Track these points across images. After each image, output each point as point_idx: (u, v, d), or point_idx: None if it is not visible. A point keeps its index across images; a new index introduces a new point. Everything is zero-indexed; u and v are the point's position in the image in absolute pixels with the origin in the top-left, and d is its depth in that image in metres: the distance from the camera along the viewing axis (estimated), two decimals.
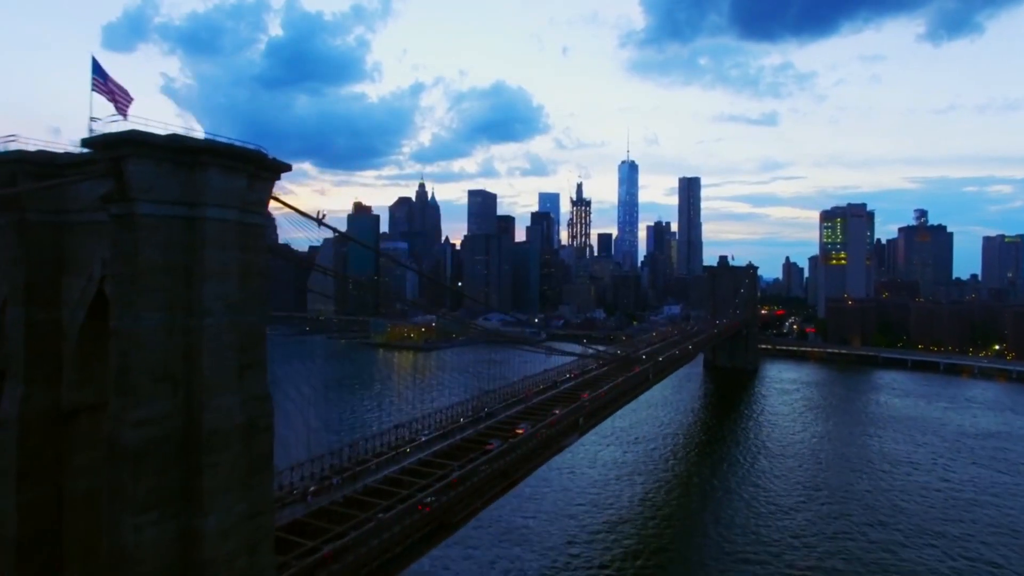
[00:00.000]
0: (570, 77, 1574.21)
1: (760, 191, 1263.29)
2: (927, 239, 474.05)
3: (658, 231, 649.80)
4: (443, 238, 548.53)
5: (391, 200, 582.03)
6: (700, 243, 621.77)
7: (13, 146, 28.62)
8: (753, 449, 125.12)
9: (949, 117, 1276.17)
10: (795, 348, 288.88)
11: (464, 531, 55.77)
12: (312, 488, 43.71)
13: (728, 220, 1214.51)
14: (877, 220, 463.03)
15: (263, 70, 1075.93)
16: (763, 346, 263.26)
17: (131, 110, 28.88)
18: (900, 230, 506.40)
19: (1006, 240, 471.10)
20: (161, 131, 24.36)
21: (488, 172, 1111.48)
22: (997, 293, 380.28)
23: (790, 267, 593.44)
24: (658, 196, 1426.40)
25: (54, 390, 28.46)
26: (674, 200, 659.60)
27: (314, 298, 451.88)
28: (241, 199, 26.17)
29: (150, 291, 23.68)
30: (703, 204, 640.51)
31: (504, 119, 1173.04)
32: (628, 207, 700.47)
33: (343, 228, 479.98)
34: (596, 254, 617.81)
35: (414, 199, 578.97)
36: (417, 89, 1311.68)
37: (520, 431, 64.79)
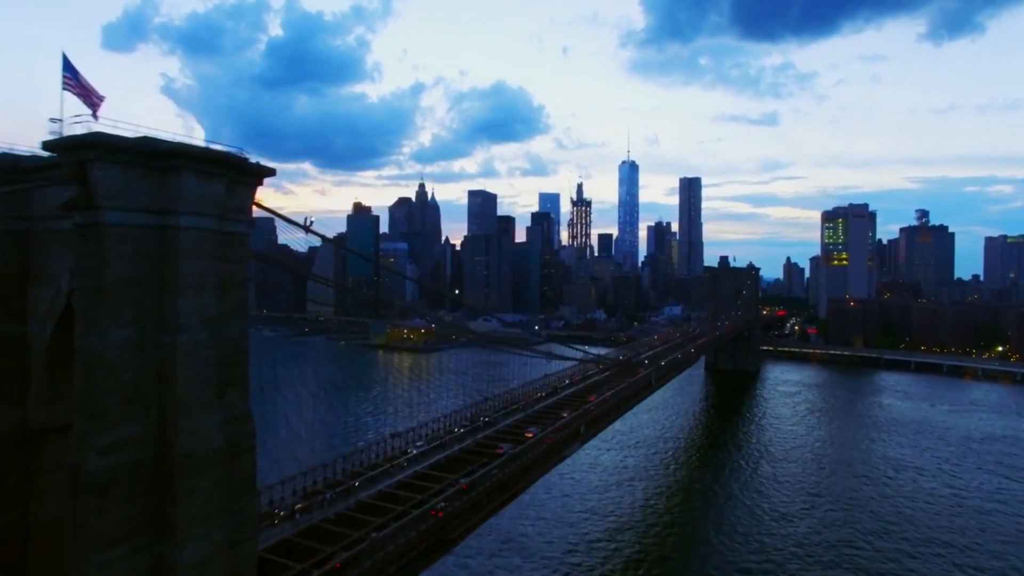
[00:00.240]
0: (570, 77, 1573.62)
1: (760, 191, 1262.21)
2: (929, 239, 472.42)
3: (659, 231, 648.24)
4: (443, 238, 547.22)
5: (391, 200, 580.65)
6: (701, 243, 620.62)
7: None
8: (755, 454, 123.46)
9: (950, 117, 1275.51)
10: (797, 349, 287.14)
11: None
12: (299, 505, 41.81)
13: (728, 220, 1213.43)
14: (878, 220, 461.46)
15: (263, 70, 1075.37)
16: (764, 347, 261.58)
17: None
18: (901, 230, 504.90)
19: (1008, 240, 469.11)
20: (131, 133, 22.69)
21: (488, 172, 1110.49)
22: (1000, 294, 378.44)
23: (791, 267, 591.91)
24: (658, 196, 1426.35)
25: (21, 409, 26.83)
26: (674, 200, 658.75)
27: (313, 299, 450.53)
28: (219, 206, 24.46)
29: (118, 306, 21.97)
30: (703, 204, 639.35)
31: (504, 119, 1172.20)
32: (628, 207, 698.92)
33: (342, 229, 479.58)
34: (596, 254, 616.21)
35: (414, 199, 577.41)
36: (417, 89, 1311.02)
37: (530, 435, 64.58)
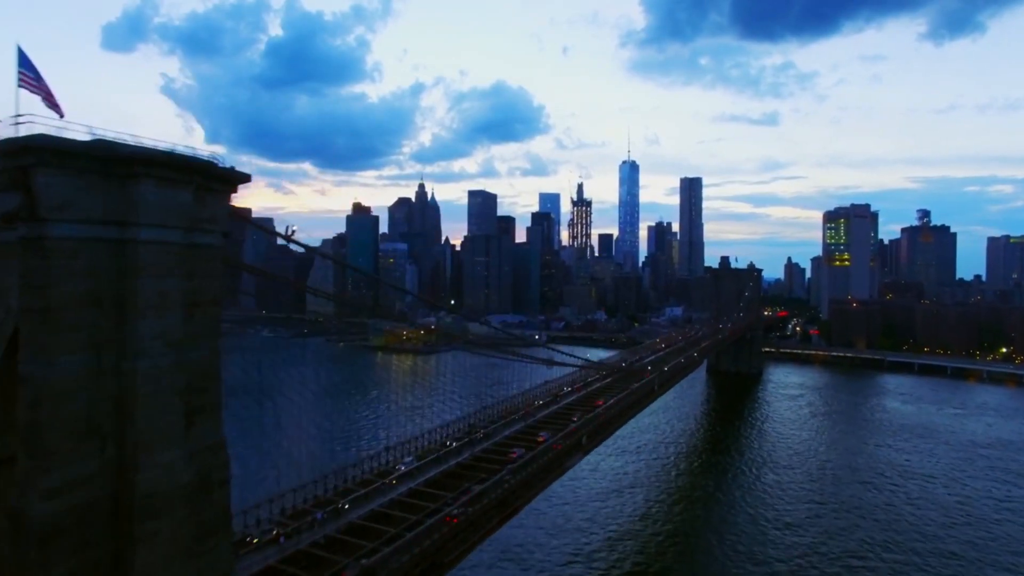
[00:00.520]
0: (570, 77, 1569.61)
1: (761, 191, 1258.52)
2: (931, 240, 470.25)
3: (659, 231, 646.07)
4: (443, 239, 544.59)
5: (391, 200, 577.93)
6: (702, 243, 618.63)
7: None
8: (758, 459, 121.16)
9: (950, 117, 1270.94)
10: (799, 351, 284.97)
11: None
12: (275, 531, 39.10)
13: (729, 220, 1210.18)
14: (879, 220, 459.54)
15: (263, 70, 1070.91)
16: (766, 349, 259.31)
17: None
18: (903, 230, 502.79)
19: (1011, 241, 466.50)
20: (85, 135, 20.38)
21: (488, 172, 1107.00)
22: (1003, 295, 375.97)
23: (792, 267, 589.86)
24: (659, 196, 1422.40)
25: None
26: (675, 200, 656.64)
27: (313, 299, 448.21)
28: (186, 216, 22.12)
29: (68, 329, 19.60)
30: (704, 204, 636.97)
31: (504, 119, 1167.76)
32: (629, 207, 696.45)
33: (342, 229, 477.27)
34: (597, 255, 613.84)
35: (413, 199, 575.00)
36: (417, 89, 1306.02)
37: (541, 439, 63.87)
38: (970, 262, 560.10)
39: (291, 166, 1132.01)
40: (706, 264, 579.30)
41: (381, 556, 35.80)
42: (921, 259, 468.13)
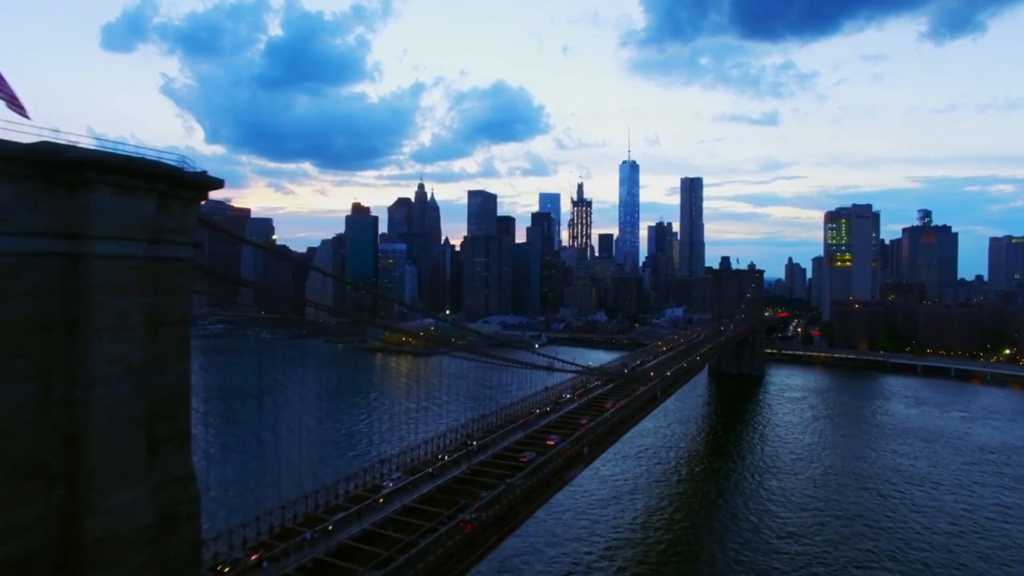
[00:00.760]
0: (571, 77, 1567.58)
1: (761, 191, 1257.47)
2: (932, 240, 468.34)
3: (659, 232, 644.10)
4: (443, 239, 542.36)
5: (392, 200, 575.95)
6: (702, 244, 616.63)
7: None
8: (760, 465, 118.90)
9: (951, 116, 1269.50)
10: (801, 353, 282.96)
11: None
12: (254, 558, 36.63)
13: (729, 220, 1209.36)
14: (880, 220, 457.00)
15: (263, 70, 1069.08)
16: (768, 350, 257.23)
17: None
18: (904, 230, 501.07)
19: (1013, 241, 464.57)
20: (30, 137, 18.19)
21: (489, 172, 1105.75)
22: (1006, 296, 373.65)
23: (793, 268, 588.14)
24: (659, 196, 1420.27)
25: None
26: (675, 200, 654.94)
27: (312, 299, 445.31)
28: (148, 227, 19.89)
29: (11, 356, 17.41)
30: (704, 204, 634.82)
31: (505, 119, 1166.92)
32: (629, 207, 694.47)
33: (341, 229, 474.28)
34: (597, 255, 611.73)
35: (413, 200, 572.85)
36: (417, 89, 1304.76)
37: (551, 442, 63.27)
38: (971, 262, 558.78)
39: (291, 166, 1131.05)
40: (707, 264, 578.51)
41: None
42: (923, 259, 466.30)
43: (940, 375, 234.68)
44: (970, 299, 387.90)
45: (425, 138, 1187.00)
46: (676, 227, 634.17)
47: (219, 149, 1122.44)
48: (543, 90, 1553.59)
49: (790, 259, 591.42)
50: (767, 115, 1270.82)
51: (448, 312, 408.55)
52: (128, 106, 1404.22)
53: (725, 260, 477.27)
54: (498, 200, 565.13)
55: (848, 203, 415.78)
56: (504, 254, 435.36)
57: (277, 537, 40.15)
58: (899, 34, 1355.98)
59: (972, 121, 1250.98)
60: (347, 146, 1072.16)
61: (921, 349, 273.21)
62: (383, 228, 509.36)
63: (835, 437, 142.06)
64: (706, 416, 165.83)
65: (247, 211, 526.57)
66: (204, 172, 22.22)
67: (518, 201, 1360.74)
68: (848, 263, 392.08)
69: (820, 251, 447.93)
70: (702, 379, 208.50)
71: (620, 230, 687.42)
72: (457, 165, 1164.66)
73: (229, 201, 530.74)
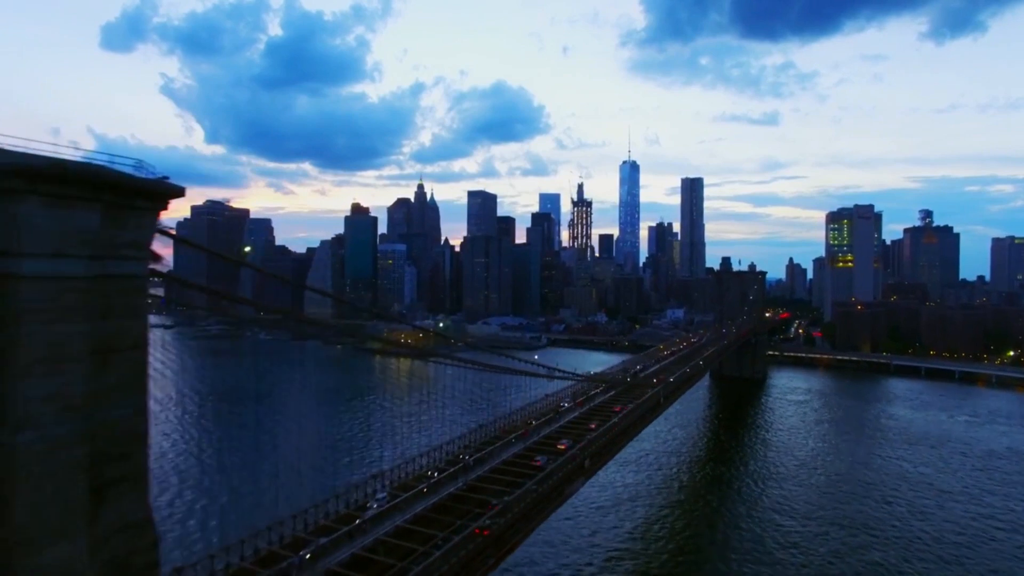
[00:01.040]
0: (571, 77, 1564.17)
1: (761, 191, 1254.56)
2: (934, 241, 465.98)
3: (660, 232, 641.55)
4: (442, 239, 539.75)
5: (392, 200, 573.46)
6: (703, 244, 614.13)
7: None
8: (763, 471, 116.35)
9: (951, 116, 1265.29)
10: (803, 355, 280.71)
11: None
12: None
13: (729, 220, 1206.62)
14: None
15: (263, 70, 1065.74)
16: (770, 352, 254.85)
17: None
18: (905, 231, 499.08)
19: (1016, 241, 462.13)
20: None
21: (489, 172, 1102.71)
22: (1010, 297, 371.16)
23: (793, 268, 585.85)
24: (659, 196, 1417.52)
25: None
26: (675, 200, 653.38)
27: (311, 300, 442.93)
28: (93, 242, 17.39)
29: None
30: (704, 204, 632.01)
31: (505, 119, 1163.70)
32: (629, 207, 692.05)
33: (341, 230, 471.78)
34: (597, 255, 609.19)
35: (413, 200, 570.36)
36: (417, 89, 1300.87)
37: (562, 447, 63.10)
38: (972, 262, 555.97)
39: (291, 166, 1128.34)
40: (707, 265, 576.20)
41: None
42: (924, 260, 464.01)
43: (944, 377, 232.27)
44: (973, 300, 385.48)
45: (425, 138, 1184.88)
46: (676, 227, 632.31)
47: (219, 149, 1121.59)
48: (543, 90, 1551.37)
49: (791, 259, 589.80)
50: (767, 115, 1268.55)
51: (447, 313, 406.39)
52: (128, 106, 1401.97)
53: (726, 261, 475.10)
54: (498, 200, 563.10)
55: (848, 203, 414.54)
56: (504, 255, 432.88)
57: (260, 562, 37.76)
58: (899, 34, 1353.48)
59: (972, 121, 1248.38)
60: (347, 146, 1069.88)
61: (924, 351, 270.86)
62: (382, 228, 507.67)
63: (839, 442, 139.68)
64: (708, 420, 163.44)
65: (246, 211, 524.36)
66: (164, 177, 19.71)
67: (518, 201, 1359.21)
68: (850, 264, 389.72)
69: (821, 251, 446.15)
70: (703, 382, 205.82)
71: (620, 230, 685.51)
72: (457, 165, 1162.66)
73: (228, 201, 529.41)
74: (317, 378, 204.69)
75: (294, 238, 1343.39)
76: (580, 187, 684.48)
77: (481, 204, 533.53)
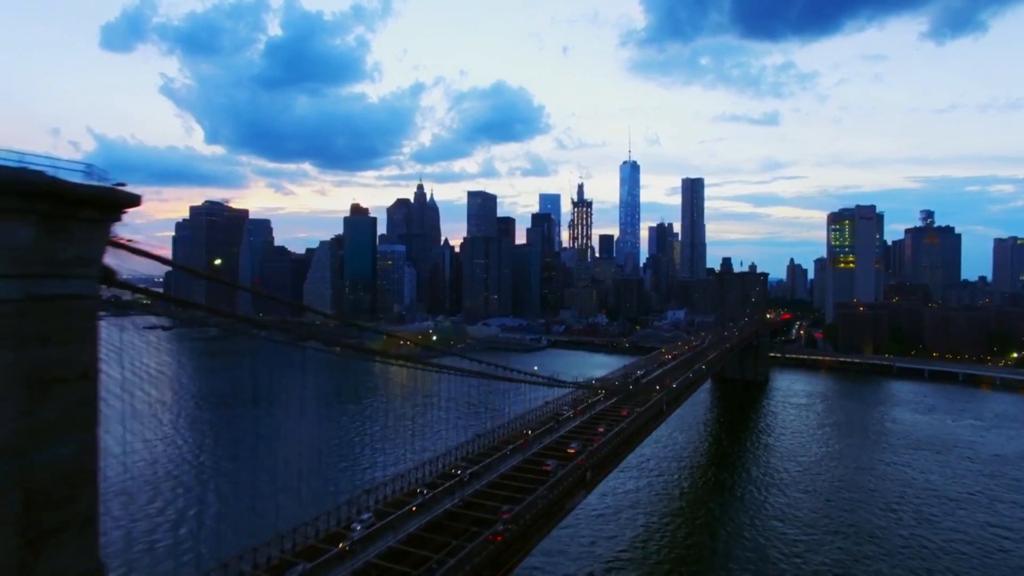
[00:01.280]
0: (571, 77, 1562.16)
1: (761, 191, 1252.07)
2: (936, 241, 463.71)
3: (660, 232, 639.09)
4: (442, 240, 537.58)
5: (392, 201, 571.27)
6: (704, 245, 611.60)
7: None
8: (766, 478, 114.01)
9: (952, 116, 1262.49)
10: (805, 357, 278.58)
11: None
12: None
13: (729, 220, 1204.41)
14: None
15: (263, 70, 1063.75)
16: (772, 354, 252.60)
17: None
18: (907, 231, 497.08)
19: (1018, 242, 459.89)
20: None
21: (489, 172, 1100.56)
22: (1013, 298, 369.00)
23: (794, 269, 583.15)
24: (659, 196, 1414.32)
25: None
26: (675, 200, 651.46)
27: (310, 302, 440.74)
28: (27, 259, 15.27)
29: None
30: (704, 204, 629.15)
31: (505, 119, 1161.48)
32: (630, 208, 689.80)
33: (340, 230, 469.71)
34: (598, 255, 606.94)
35: (412, 200, 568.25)
36: (417, 89, 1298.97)
37: (572, 451, 63.29)
38: (973, 263, 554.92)
39: (291, 166, 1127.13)
40: (708, 266, 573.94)
41: None
42: (926, 260, 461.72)
43: (948, 380, 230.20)
44: (975, 301, 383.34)
45: (425, 138, 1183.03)
46: (677, 227, 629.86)
47: (219, 149, 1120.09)
48: (543, 90, 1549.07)
49: (791, 260, 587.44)
50: (767, 115, 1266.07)
51: (447, 314, 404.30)
52: (128, 106, 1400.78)
53: (727, 261, 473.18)
54: (498, 200, 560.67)
55: (848, 203, 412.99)
56: (504, 255, 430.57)
57: None
58: (900, 34, 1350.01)
59: (973, 121, 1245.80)
60: (347, 146, 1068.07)
61: (927, 352, 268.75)
62: (382, 229, 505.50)
63: (843, 447, 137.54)
64: (709, 423, 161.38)
65: (245, 212, 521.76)
66: (117, 185, 17.58)
67: (518, 201, 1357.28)
68: (851, 265, 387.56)
69: (821, 251, 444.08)
70: (705, 384, 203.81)
71: (621, 231, 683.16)
72: (457, 165, 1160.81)
73: (227, 202, 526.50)
74: (315, 380, 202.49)
75: (294, 238, 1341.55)
76: (580, 187, 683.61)
77: (481, 204, 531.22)
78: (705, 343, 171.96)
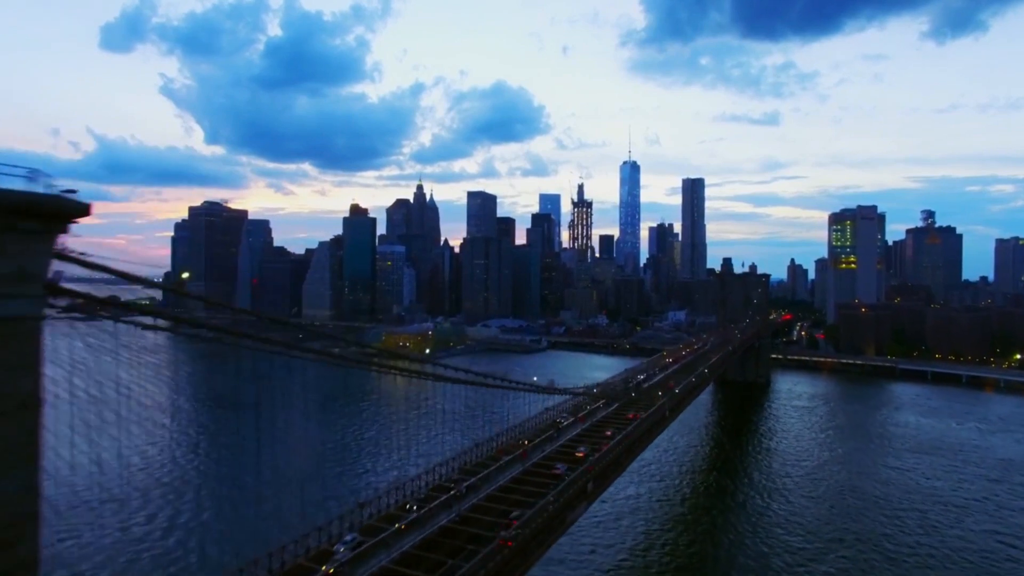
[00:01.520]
0: (571, 77, 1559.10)
1: (762, 191, 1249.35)
2: (938, 241, 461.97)
3: (660, 233, 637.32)
4: (442, 240, 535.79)
5: (393, 201, 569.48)
6: (704, 245, 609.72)
7: None
8: (768, 484, 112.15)
9: (952, 116, 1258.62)
10: (807, 358, 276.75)
11: None
12: None
13: (729, 220, 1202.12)
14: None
15: (262, 70, 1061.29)
16: (773, 356, 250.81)
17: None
18: (908, 231, 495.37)
19: (1021, 243, 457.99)
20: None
21: (489, 172, 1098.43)
22: (1016, 299, 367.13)
23: (795, 269, 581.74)
24: (659, 196, 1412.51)
25: None
26: (676, 200, 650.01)
27: (309, 303, 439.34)
28: None
29: None
30: (705, 204, 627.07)
31: (505, 119, 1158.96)
32: (630, 208, 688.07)
33: (337, 231, 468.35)
34: (598, 256, 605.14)
35: (412, 201, 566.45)
36: (417, 89, 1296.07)
37: (581, 454, 63.08)
38: (974, 263, 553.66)
39: (291, 166, 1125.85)
40: (708, 266, 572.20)
41: None
42: (928, 261, 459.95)
43: (951, 382, 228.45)
44: (977, 302, 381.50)
45: (425, 138, 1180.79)
46: (677, 228, 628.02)
47: (219, 150, 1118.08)
48: (543, 90, 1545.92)
49: (792, 260, 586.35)
50: (767, 115, 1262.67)
51: (447, 315, 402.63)
52: (128, 106, 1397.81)
53: (727, 262, 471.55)
54: (498, 201, 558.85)
55: (848, 203, 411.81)
56: (504, 256, 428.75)
57: None
58: (900, 33, 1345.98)
59: (973, 121, 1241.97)
60: (347, 146, 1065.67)
61: (929, 354, 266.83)
62: (382, 229, 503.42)
63: (847, 451, 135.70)
64: (711, 427, 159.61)
65: (244, 212, 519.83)
66: (65, 192, 15.80)
67: (518, 201, 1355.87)
68: (853, 265, 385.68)
69: (821, 251, 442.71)
70: (707, 387, 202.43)
71: (621, 231, 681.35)
72: (457, 165, 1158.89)
73: (226, 202, 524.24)
74: (314, 382, 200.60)
75: (294, 239, 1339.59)
76: (580, 187, 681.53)
77: (481, 205, 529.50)
78: (707, 345, 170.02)
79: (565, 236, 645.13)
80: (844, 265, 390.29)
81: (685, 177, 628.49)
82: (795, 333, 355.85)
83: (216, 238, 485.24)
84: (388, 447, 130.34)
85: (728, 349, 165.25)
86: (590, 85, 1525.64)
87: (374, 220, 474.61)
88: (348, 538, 41.52)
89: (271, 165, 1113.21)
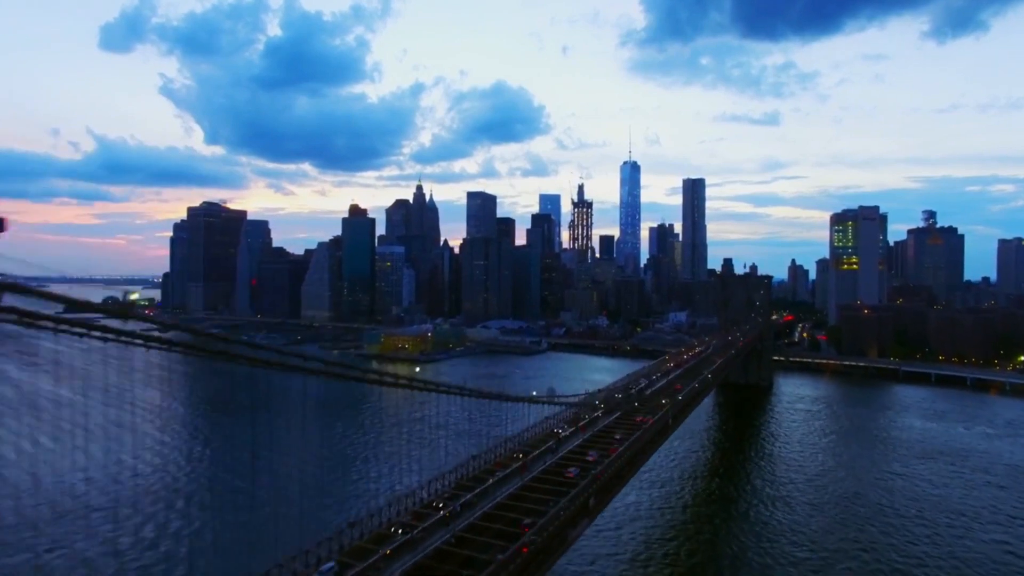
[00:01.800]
0: (571, 77, 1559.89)
1: (762, 191, 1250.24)
2: (940, 242, 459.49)
3: (661, 233, 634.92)
4: (442, 241, 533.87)
5: (392, 201, 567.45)
6: (705, 246, 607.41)
7: None
8: (771, 491, 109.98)
9: (952, 116, 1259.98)
10: (809, 360, 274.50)
11: None
12: None
13: (729, 220, 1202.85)
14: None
15: (262, 70, 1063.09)
16: (775, 357, 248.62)
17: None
18: (909, 232, 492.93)
19: (1023, 243, 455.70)
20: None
21: (489, 172, 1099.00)
22: (1019, 300, 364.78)
23: (796, 270, 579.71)
24: (660, 196, 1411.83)
25: None
26: (676, 200, 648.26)
27: (308, 304, 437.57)
28: None
29: None
30: (705, 204, 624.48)
31: (505, 119, 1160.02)
32: (630, 208, 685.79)
33: (337, 231, 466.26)
34: (598, 256, 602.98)
35: (412, 201, 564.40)
36: (417, 89, 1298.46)
37: (591, 458, 64.08)
38: (974, 263, 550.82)
39: (291, 167, 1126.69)
40: (709, 267, 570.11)
41: None
42: (929, 261, 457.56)
43: (955, 384, 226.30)
44: (979, 302, 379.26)
45: (425, 138, 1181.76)
46: (677, 228, 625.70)
47: (219, 150, 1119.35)
48: (543, 90, 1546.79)
49: (793, 261, 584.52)
50: (768, 115, 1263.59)
51: (446, 316, 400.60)
52: (128, 106, 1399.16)
53: (728, 263, 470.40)
54: (498, 201, 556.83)
55: (849, 203, 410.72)
56: (504, 256, 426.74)
57: None
58: (901, 33, 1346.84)
59: (973, 121, 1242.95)
60: (347, 147, 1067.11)
61: (932, 356, 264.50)
62: (381, 230, 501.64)
63: (851, 457, 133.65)
64: (713, 431, 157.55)
65: (243, 213, 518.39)
66: None
67: (518, 202, 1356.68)
68: (855, 266, 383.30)
69: (822, 251, 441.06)
70: None
71: (621, 231, 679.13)
72: (457, 165, 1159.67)
73: (226, 202, 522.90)
74: (312, 385, 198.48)
75: (294, 239, 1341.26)
76: (580, 188, 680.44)
77: (481, 205, 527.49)
78: (709, 348, 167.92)
79: (565, 236, 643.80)
80: (846, 266, 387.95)
81: (685, 177, 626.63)
82: (797, 334, 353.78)
83: (215, 239, 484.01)
84: (384, 455, 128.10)
85: (731, 353, 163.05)
86: (590, 85, 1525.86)
87: (373, 221, 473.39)
88: (325, 567, 38.84)
89: (271, 165, 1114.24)
